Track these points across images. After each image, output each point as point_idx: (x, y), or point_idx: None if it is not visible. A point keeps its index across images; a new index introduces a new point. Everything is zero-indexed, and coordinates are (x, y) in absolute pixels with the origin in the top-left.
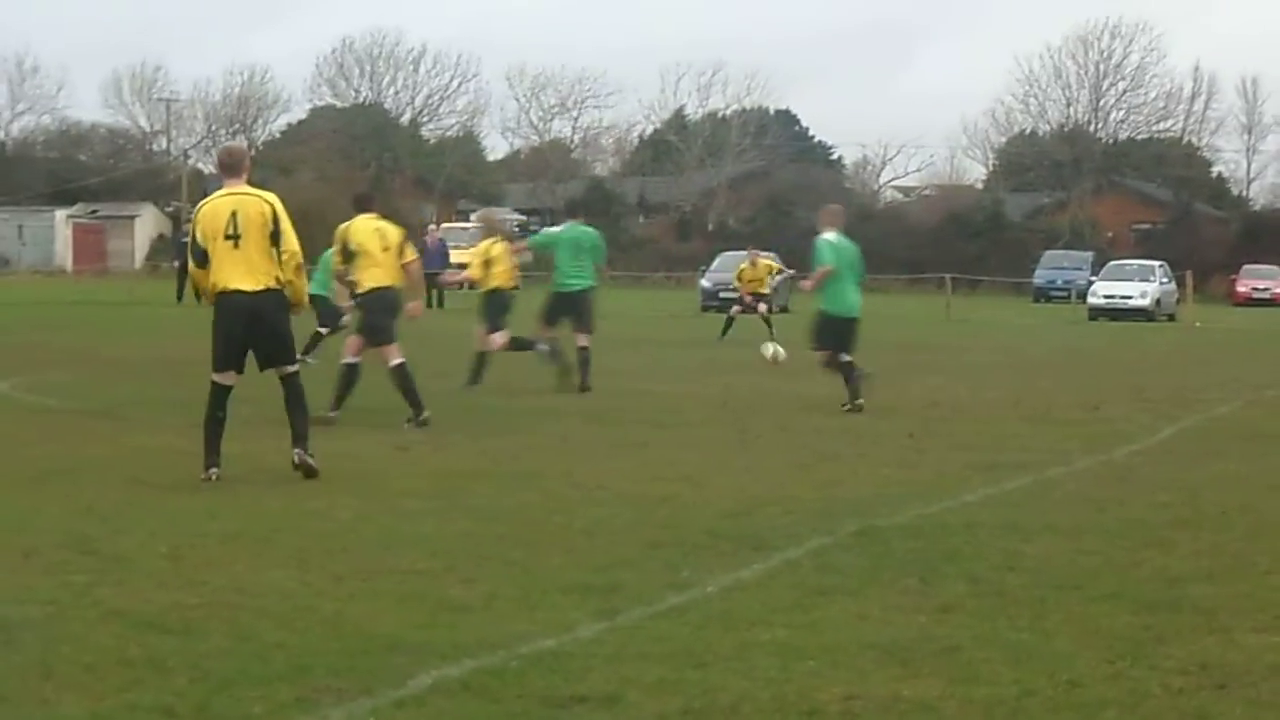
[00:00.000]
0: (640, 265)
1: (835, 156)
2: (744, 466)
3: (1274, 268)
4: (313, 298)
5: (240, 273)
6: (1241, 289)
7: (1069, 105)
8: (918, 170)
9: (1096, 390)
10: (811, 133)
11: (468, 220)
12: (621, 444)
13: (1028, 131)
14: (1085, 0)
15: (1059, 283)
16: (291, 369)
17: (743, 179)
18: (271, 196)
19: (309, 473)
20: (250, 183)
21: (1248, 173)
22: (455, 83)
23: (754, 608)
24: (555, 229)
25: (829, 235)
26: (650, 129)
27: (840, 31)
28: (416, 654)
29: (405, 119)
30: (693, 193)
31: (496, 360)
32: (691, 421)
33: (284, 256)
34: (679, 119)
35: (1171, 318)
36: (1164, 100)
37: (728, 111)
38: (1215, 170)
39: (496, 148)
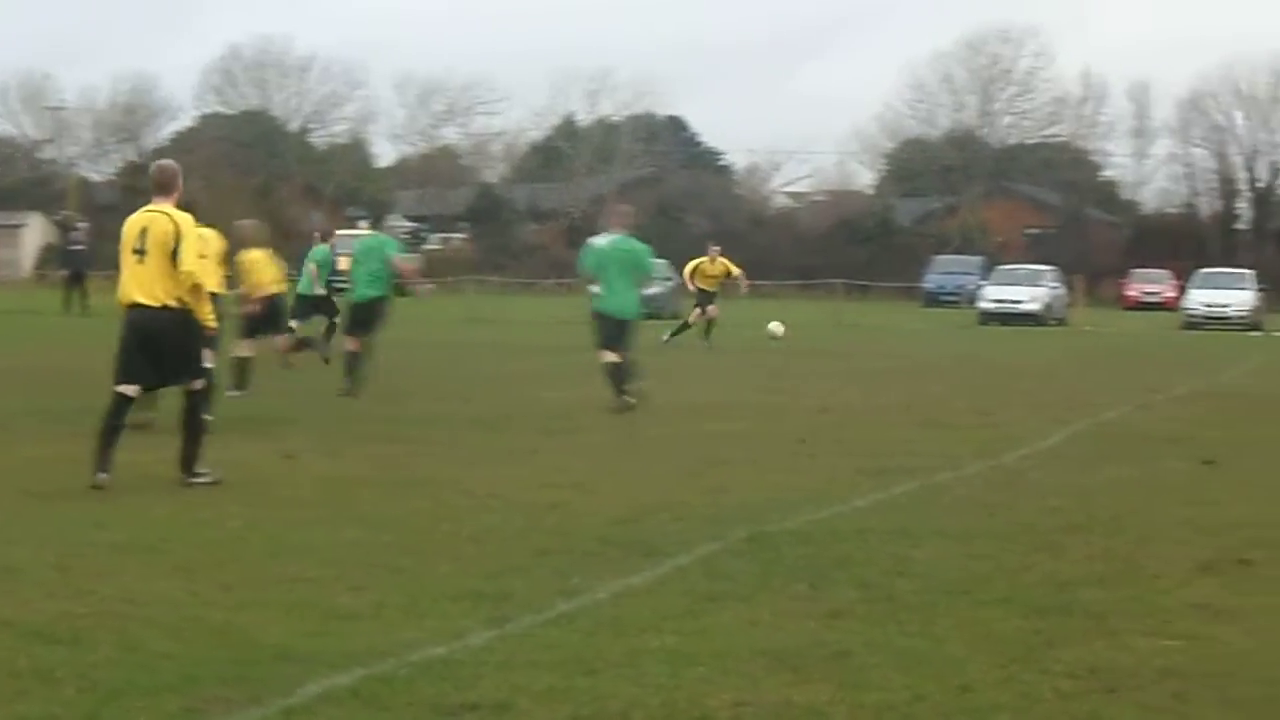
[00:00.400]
0: (530, 272)
1: (725, 163)
2: (634, 473)
3: (1164, 271)
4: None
5: (142, 288)
6: (1131, 293)
7: (958, 110)
8: (808, 176)
9: (987, 395)
10: (701, 139)
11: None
12: (511, 451)
13: (917, 137)
14: (975, 6)
15: (949, 288)
16: (196, 385)
17: (633, 185)
18: (182, 217)
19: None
20: (179, 201)
21: (1137, 177)
22: (344, 90)
23: (644, 614)
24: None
25: (601, 238)
26: (540, 135)
27: (730, 39)
28: (305, 663)
29: (294, 126)
30: (583, 199)
31: (385, 367)
32: (581, 428)
33: (181, 276)
34: (568, 125)
35: (1062, 322)
36: (1053, 105)
37: (617, 118)
38: (1105, 175)
39: (385, 155)
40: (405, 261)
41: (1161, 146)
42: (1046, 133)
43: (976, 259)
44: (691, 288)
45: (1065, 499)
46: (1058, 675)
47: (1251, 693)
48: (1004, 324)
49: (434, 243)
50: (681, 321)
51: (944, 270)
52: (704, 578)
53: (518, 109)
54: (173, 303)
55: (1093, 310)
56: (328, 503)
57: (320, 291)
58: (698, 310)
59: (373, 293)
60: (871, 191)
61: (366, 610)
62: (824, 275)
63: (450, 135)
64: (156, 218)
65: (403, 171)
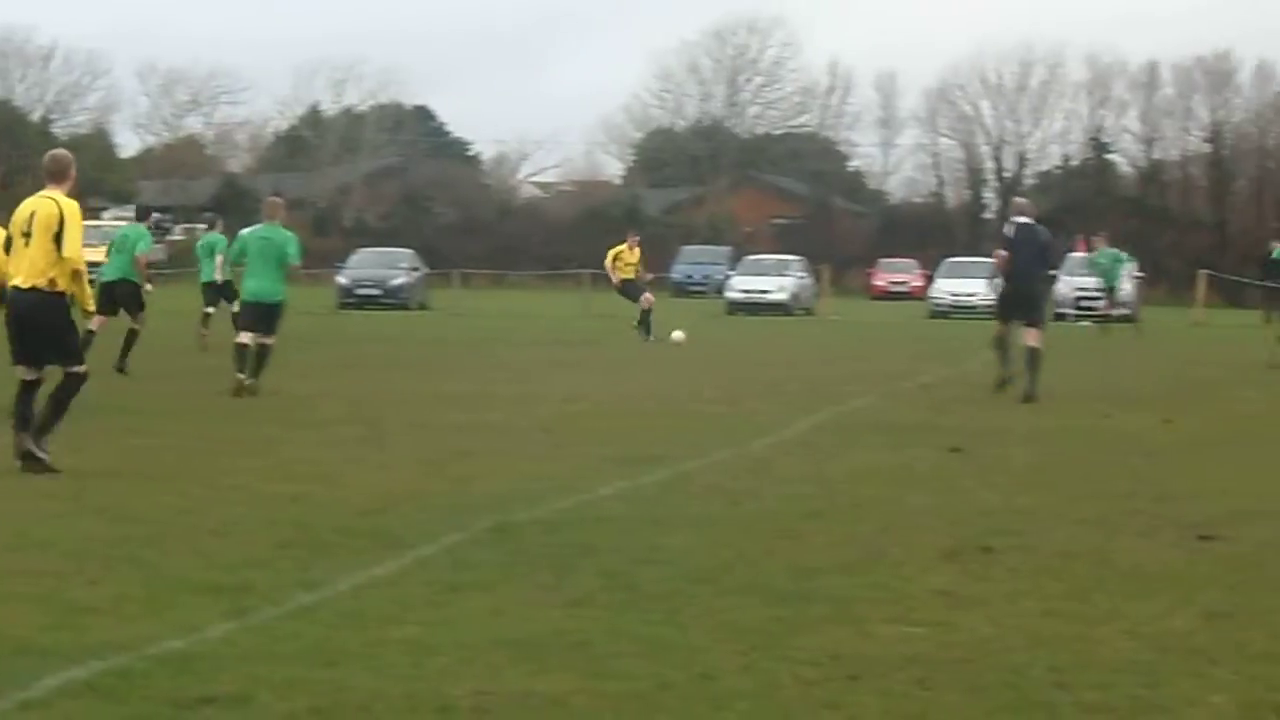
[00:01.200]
0: None
1: (473, 153)
2: (378, 464)
3: (910, 261)
4: None
5: (22, 270)
6: (879, 282)
7: (706, 101)
8: (556, 166)
9: (734, 384)
10: (449, 129)
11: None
12: (255, 443)
13: (665, 127)
14: None
15: (697, 278)
16: (74, 369)
17: (379, 175)
18: (68, 203)
19: (30, 464)
20: (71, 191)
21: (884, 167)
22: (86, 79)
23: (386, 605)
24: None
25: (247, 229)
26: (285, 125)
27: (479, 28)
28: (42, 656)
29: (36, 116)
30: (329, 189)
31: (138, 359)
32: (326, 420)
33: (63, 262)
34: (314, 115)
35: (809, 311)
36: (800, 95)
37: (363, 107)
38: (852, 165)
39: (129, 145)
40: (141, 254)
41: (909, 136)
42: (794, 123)
43: (724, 249)
44: (615, 280)
45: (810, 487)
46: (800, 662)
47: (992, 679)
48: (751, 314)
49: (178, 233)
50: (642, 313)
51: (692, 260)
52: (447, 568)
53: (263, 98)
54: (46, 285)
55: (840, 299)
56: (72, 496)
57: (221, 278)
58: (646, 297)
59: (120, 276)
60: (619, 182)
61: (105, 604)
62: (572, 265)
63: (195, 125)
64: (44, 203)
65: (147, 162)
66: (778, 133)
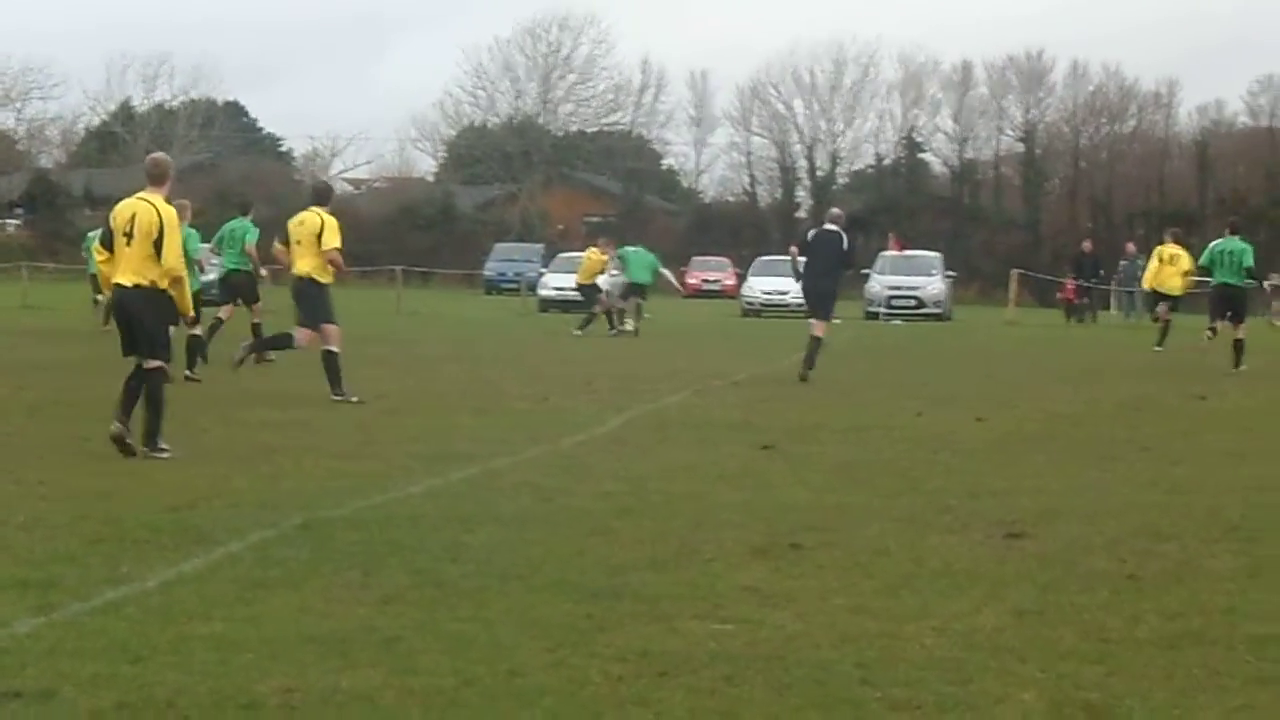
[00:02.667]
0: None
1: (285, 149)
2: (188, 460)
3: (724, 259)
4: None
5: (128, 270)
6: (692, 280)
7: (518, 98)
8: (368, 162)
9: (545, 381)
10: (261, 125)
11: None
12: (65, 439)
13: (478, 124)
14: None
15: (510, 275)
16: (153, 364)
17: (191, 171)
18: (167, 210)
19: (124, 449)
20: (169, 192)
21: (697, 165)
22: None
23: (193, 601)
24: None
25: None
26: (97, 120)
27: (292, 25)
28: None
29: None
30: (140, 185)
31: None
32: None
33: (163, 268)
34: (126, 110)
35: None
36: (613, 93)
37: (175, 103)
38: (665, 163)
39: None
40: (250, 245)
41: (721, 135)
42: (607, 121)
43: (537, 246)
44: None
45: (621, 484)
46: (608, 659)
47: (800, 675)
48: (564, 311)
49: None
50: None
51: (504, 258)
52: (256, 564)
53: (74, 93)
54: (146, 283)
55: (653, 297)
56: None
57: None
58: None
59: (234, 267)
60: (432, 179)
61: None
62: (384, 262)
63: (5, 120)
64: (145, 207)
65: None
66: (591, 130)
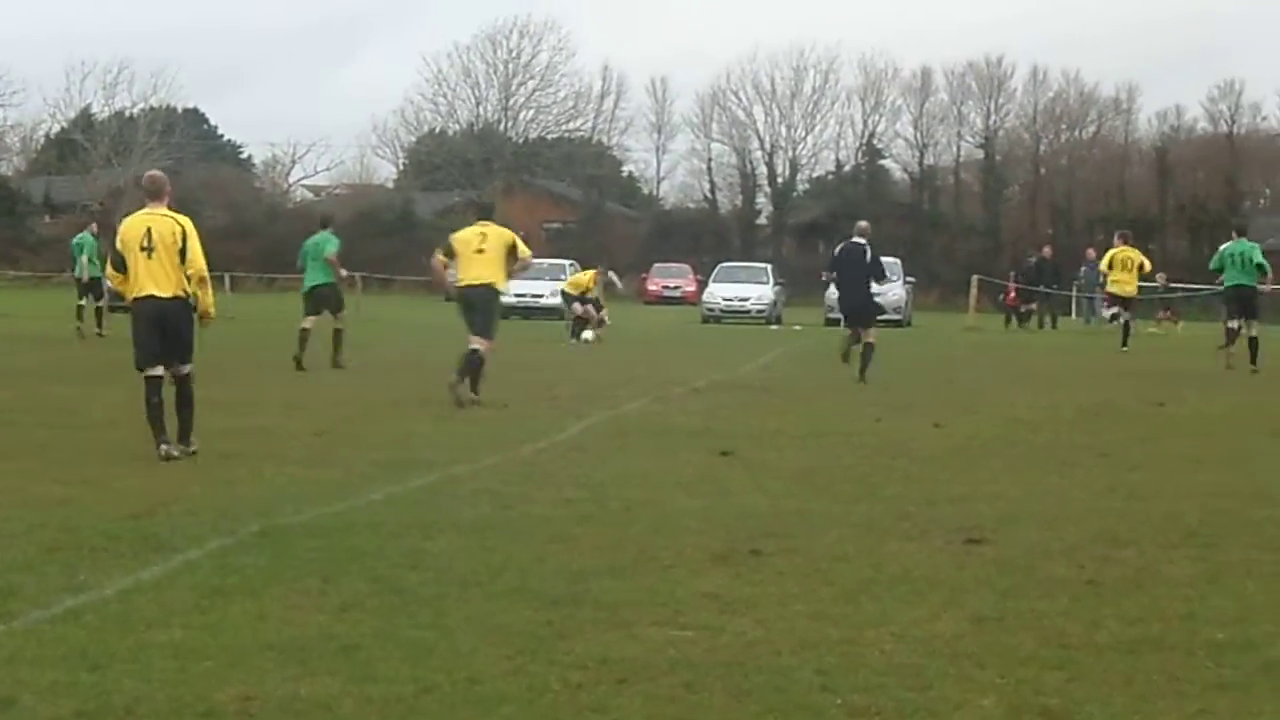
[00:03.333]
0: (47, 265)
1: (245, 156)
2: (146, 468)
3: (684, 266)
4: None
5: (158, 282)
6: (652, 287)
7: (479, 104)
8: (328, 169)
9: (505, 388)
10: (221, 132)
11: None
12: (22, 446)
13: (438, 131)
14: (495, 2)
15: None
16: (185, 369)
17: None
18: (184, 219)
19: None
20: (170, 206)
21: (658, 172)
22: None
23: (152, 609)
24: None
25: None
26: (56, 127)
27: (253, 31)
28: None
29: None
30: (100, 191)
31: None
32: (95, 424)
33: (189, 271)
34: (85, 117)
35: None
36: (574, 99)
37: (135, 110)
38: (626, 169)
39: None
40: (331, 255)
41: (682, 142)
42: (567, 127)
43: None
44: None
45: (580, 491)
46: (567, 666)
47: (759, 681)
48: (525, 318)
49: None
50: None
51: None
52: (214, 572)
53: (34, 100)
54: (180, 293)
55: (614, 304)
56: None
57: (89, 276)
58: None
59: (319, 281)
60: (392, 185)
61: None
62: (345, 268)
63: None
64: (160, 220)
65: None
66: (551, 137)
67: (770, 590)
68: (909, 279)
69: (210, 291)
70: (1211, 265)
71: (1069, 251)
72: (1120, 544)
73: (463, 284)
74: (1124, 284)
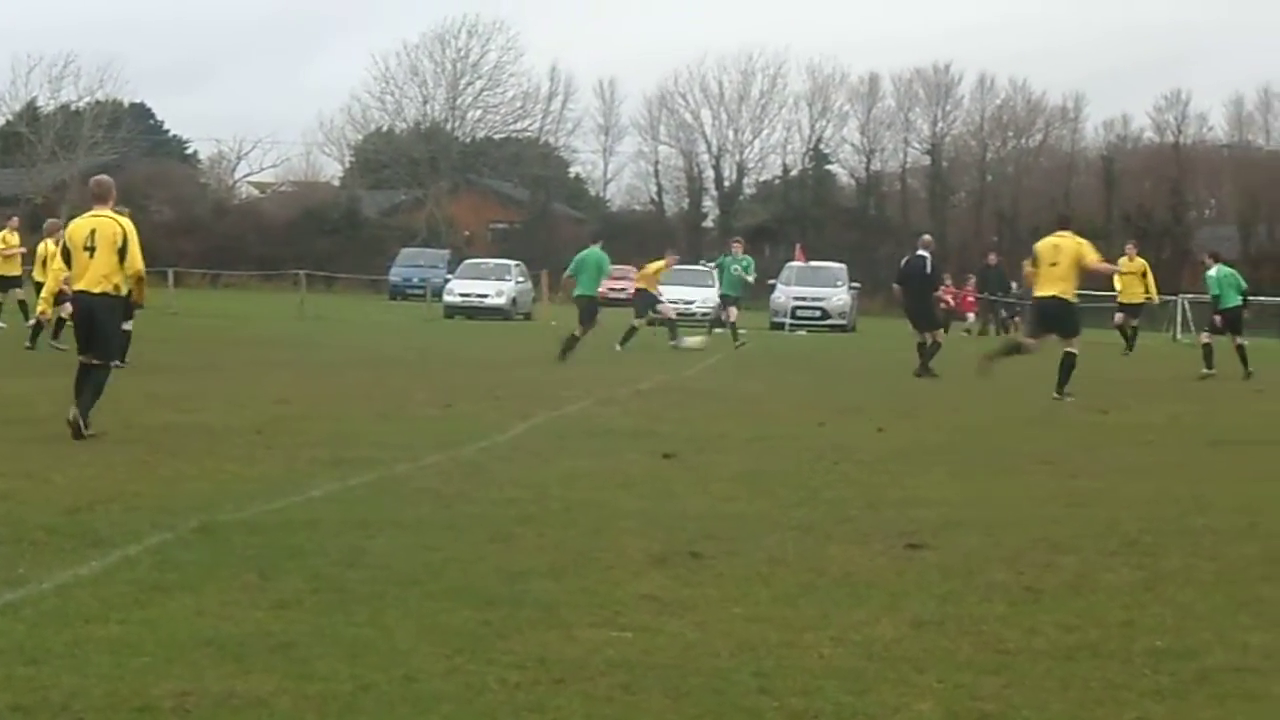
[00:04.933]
0: None
1: (191, 151)
2: (87, 463)
3: (630, 268)
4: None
5: (90, 278)
6: (601, 289)
7: (426, 103)
8: (274, 166)
9: (449, 388)
10: (166, 127)
11: None
12: None
13: (385, 129)
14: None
15: (415, 280)
16: (100, 361)
17: (96, 172)
18: (126, 222)
19: (76, 432)
20: (114, 208)
21: (605, 173)
22: None
23: (90, 604)
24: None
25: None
26: (1, 121)
27: (199, 27)
28: None
29: None
30: (44, 185)
31: None
32: (38, 418)
33: (129, 271)
34: (31, 111)
35: (527, 316)
36: (521, 100)
37: (81, 104)
38: (573, 171)
39: None
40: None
41: (629, 144)
42: (514, 127)
43: (443, 252)
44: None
45: (522, 491)
46: (505, 666)
47: (697, 683)
48: (470, 318)
49: None
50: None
51: (410, 263)
52: (153, 568)
53: None
54: (112, 290)
55: (560, 305)
56: None
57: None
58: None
59: (581, 293)
60: (338, 183)
61: None
62: (288, 266)
63: None
64: (104, 222)
65: None
66: (498, 137)
67: (709, 592)
68: (854, 284)
69: (143, 288)
70: (1213, 292)
71: (1015, 260)
72: (1060, 551)
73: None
74: (1132, 294)
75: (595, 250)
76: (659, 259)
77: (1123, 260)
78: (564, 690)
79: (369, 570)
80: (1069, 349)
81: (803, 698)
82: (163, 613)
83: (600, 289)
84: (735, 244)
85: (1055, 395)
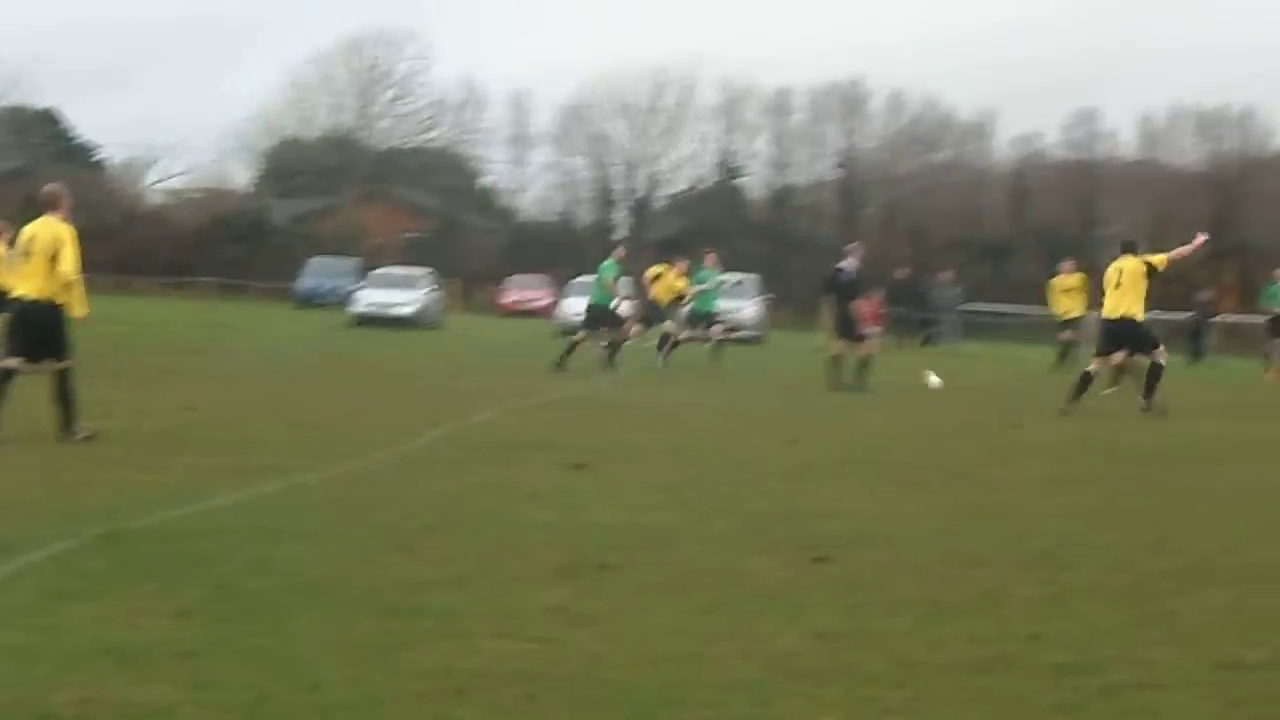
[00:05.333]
0: None
1: (100, 157)
2: None
3: (542, 278)
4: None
5: (26, 284)
6: (509, 298)
7: (338, 112)
8: (184, 173)
9: (357, 397)
10: (76, 133)
11: None
12: None
13: (296, 137)
14: (358, 8)
15: (324, 289)
16: (59, 365)
17: (4, 179)
18: (65, 229)
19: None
20: (64, 216)
21: (517, 184)
22: None
23: None
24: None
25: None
26: None
27: (111, 31)
28: None
29: None
30: None
31: None
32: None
33: (59, 276)
34: None
35: (437, 326)
36: (432, 109)
37: None
38: (484, 181)
39: None
40: (609, 280)
41: (541, 155)
42: (425, 137)
43: (352, 261)
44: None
45: (427, 501)
46: (408, 676)
47: (602, 695)
48: (379, 327)
49: None
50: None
51: (319, 272)
52: (56, 575)
53: None
54: (46, 296)
55: (471, 315)
56: None
57: None
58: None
59: (594, 301)
60: (248, 191)
61: None
62: (197, 273)
63: None
64: (43, 229)
65: None
66: (409, 146)
67: (617, 604)
68: (768, 295)
69: (75, 295)
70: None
71: (925, 274)
72: (969, 564)
73: None
74: (1075, 309)
75: (607, 261)
76: (663, 264)
77: (1061, 278)
78: (466, 700)
79: (273, 579)
80: (1155, 360)
81: (708, 709)
82: (65, 620)
83: (513, 299)
84: (708, 255)
85: (1143, 405)
